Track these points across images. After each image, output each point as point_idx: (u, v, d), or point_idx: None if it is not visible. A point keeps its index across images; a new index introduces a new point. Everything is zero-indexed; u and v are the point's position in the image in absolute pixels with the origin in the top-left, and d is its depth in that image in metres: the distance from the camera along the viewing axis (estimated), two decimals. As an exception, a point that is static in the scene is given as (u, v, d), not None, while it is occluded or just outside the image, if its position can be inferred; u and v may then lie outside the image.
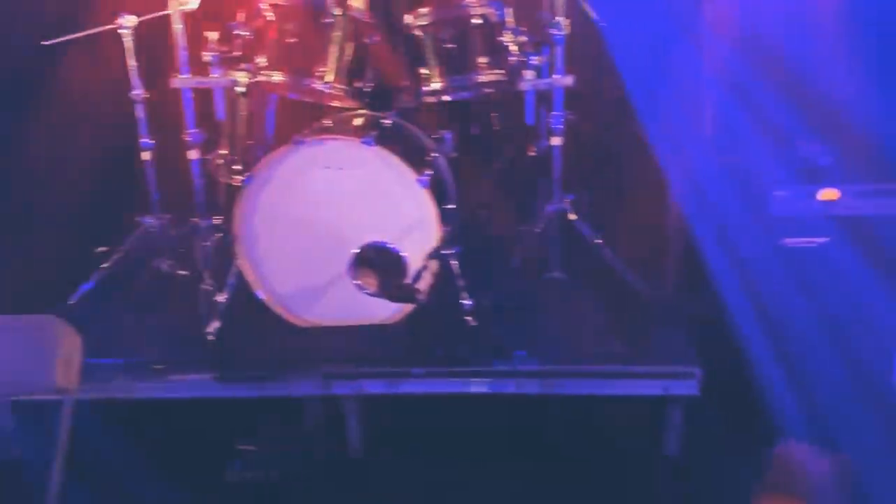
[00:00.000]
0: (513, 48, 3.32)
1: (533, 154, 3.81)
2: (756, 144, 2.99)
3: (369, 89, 3.38)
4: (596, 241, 3.54)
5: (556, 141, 3.52)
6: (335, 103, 3.43)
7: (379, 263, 3.15)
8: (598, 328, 3.37)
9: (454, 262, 3.31)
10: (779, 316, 2.92)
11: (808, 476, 2.27)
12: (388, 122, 3.40)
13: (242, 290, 3.32)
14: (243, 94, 3.17)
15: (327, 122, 3.37)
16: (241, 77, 3.17)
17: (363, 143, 3.11)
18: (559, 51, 3.36)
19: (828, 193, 2.87)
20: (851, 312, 2.76)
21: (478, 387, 3.14)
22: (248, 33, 3.33)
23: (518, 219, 3.72)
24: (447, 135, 3.71)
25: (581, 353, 3.22)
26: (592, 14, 3.27)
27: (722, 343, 3.15)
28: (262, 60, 3.22)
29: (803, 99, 2.99)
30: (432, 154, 3.43)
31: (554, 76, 3.41)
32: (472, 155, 3.87)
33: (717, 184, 3.05)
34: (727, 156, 3.12)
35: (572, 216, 3.57)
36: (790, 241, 2.92)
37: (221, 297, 3.28)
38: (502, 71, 3.32)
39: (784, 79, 3.05)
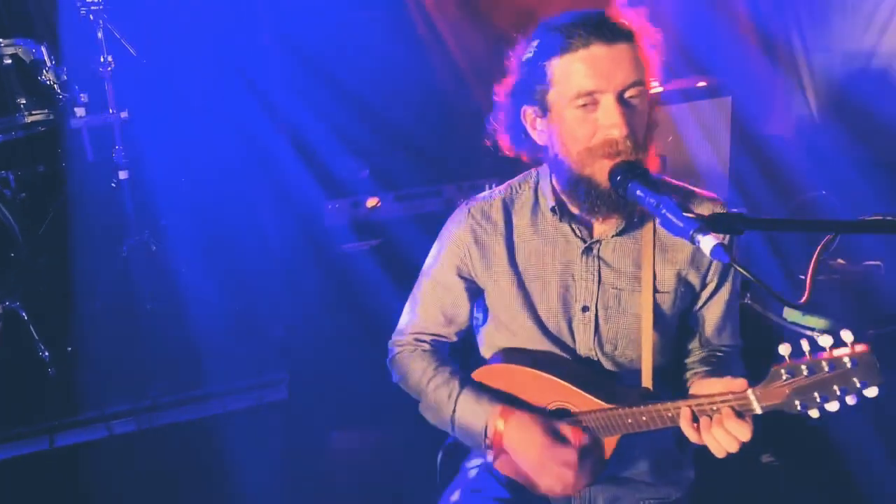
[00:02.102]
0: (55, 87, 3.22)
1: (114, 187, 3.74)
2: (303, 165, 3.29)
3: None
4: (182, 269, 3.61)
5: (123, 175, 3.49)
6: None
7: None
8: (195, 354, 3.44)
9: (23, 314, 3.14)
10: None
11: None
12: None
13: None
14: None
15: None
16: None
17: None
18: (109, 87, 3.34)
19: (371, 201, 3.27)
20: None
21: (66, 439, 3.03)
22: None
23: (101, 257, 3.63)
24: (9, 176, 3.47)
25: (178, 382, 3.27)
26: (132, 51, 3.30)
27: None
28: None
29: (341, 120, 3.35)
30: (-14, 201, 3.20)
31: (109, 112, 3.39)
32: (43, 195, 3.68)
33: (274, 203, 3.29)
34: (280, 177, 3.39)
35: (154, 247, 3.58)
36: (347, 247, 3.27)
37: None
38: (46, 110, 3.21)
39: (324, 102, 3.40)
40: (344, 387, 3.22)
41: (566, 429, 1.64)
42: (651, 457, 1.79)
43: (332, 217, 3.23)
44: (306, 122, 3.29)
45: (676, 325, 1.76)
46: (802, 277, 4.12)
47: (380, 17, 3.77)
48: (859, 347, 1.30)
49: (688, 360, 1.82)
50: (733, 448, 1.44)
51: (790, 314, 3.75)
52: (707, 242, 1.36)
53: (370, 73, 3.42)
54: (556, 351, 1.73)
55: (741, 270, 1.38)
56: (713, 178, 3.68)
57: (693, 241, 1.38)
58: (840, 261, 4.38)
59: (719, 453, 1.46)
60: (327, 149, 3.26)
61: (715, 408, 1.44)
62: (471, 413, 1.73)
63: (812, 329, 3.69)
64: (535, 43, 1.58)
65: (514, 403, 1.74)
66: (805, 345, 1.34)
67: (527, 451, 1.65)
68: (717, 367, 1.75)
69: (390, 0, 3.80)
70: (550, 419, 1.67)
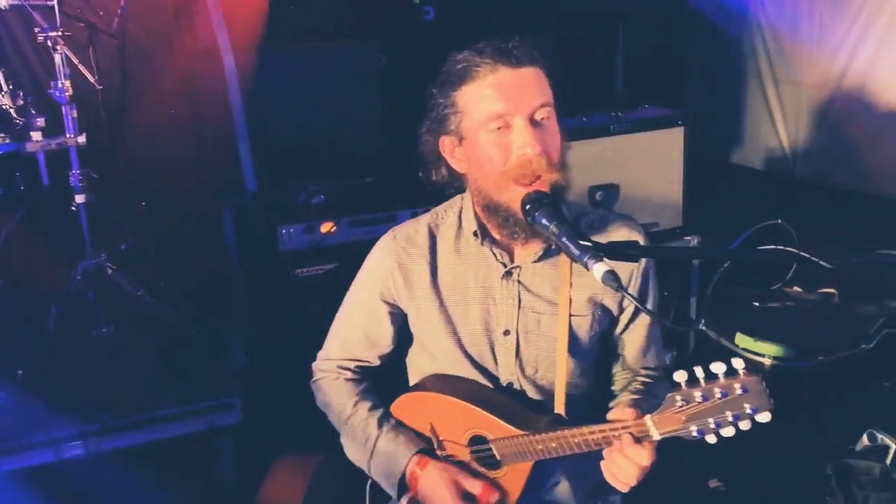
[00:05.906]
0: (12, 111, 3.25)
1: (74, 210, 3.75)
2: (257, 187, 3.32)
3: None
4: (138, 292, 3.61)
5: (80, 199, 3.51)
6: None
7: None
8: (147, 377, 3.44)
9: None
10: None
11: (292, 478, 2.65)
12: None
13: None
14: None
15: None
16: None
17: None
18: (66, 111, 3.37)
19: (326, 226, 3.30)
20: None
21: (12, 463, 3.01)
22: None
23: (53, 281, 3.63)
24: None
25: (128, 405, 3.26)
26: (91, 78, 3.34)
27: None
28: None
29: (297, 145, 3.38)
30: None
31: (66, 136, 3.41)
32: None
33: (229, 226, 3.31)
34: (236, 200, 3.41)
35: (110, 270, 3.59)
36: (300, 272, 3.28)
37: None
38: (2, 135, 3.23)
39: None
40: (297, 411, 3.22)
41: (475, 485, 1.70)
42: (574, 482, 1.82)
43: (285, 241, 3.24)
44: (264, 146, 3.32)
45: (596, 350, 1.80)
46: (756, 304, 4.20)
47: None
48: (749, 376, 1.34)
49: (614, 387, 1.86)
50: (633, 475, 1.47)
51: (742, 341, 3.81)
52: (598, 269, 1.41)
53: (326, 99, 3.47)
54: (478, 375, 1.76)
55: (629, 296, 1.43)
56: (667, 207, 3.74)
57: (587, 267, 1.43)
58: (796, 288, 4.46)
59: (621, 483, 1.49)
60: (282, 172, 3.29)
61: (616, 434, 1.48)
62: (386, 459, 1.77)
63: (763, 355, 3.76)
64: (445, 75, 1.64)
65: (433, 432, 1.76)
66: (699, 372, 1.38)
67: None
68: (644, 392, 1.78)
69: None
70: (462, 473, 1.71)
